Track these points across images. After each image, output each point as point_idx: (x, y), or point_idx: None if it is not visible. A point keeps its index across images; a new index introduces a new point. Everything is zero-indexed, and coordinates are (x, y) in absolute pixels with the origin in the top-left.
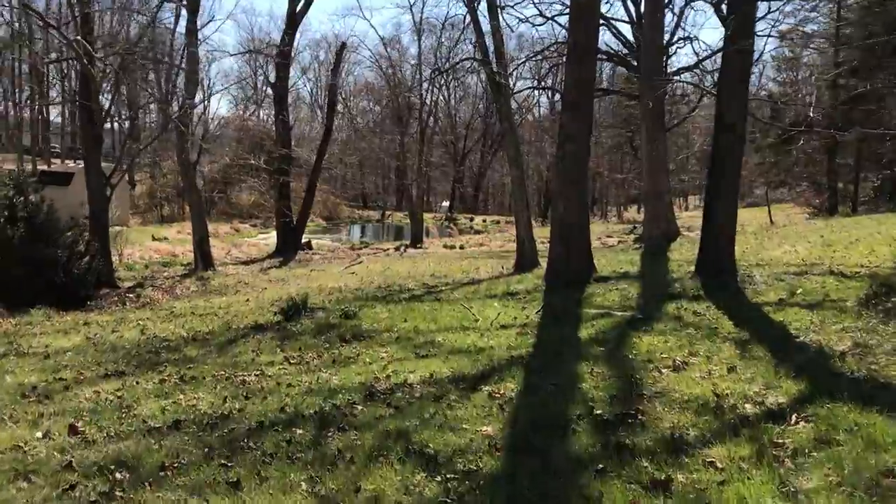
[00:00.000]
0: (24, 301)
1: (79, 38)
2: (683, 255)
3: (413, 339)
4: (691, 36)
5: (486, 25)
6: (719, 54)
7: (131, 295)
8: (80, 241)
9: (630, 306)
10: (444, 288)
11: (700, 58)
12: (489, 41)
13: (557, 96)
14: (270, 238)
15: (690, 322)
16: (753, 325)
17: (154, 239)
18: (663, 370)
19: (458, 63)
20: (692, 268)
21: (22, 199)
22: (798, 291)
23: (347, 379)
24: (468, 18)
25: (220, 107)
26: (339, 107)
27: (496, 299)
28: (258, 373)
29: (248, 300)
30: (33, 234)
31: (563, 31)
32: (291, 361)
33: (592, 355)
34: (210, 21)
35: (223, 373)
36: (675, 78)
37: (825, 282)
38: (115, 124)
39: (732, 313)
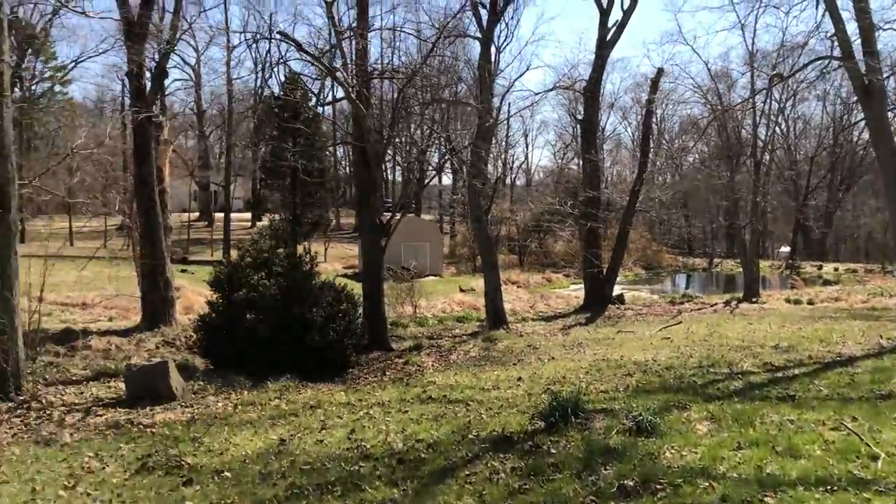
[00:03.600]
0: (275, 366)
1: (338, 65)
2: None
3: (753, 501)
4: None
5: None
6: None
7: (400, 360)
8: (343, 299)
9: None
10: (797, 372)
11: None
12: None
13: None
14: (581, 290)
15: None
16: None
17: (461, 290)
18: None
19: (807, 64)
20: None
21: (281, 251)
22: None
23: None
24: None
25: (542, 157)
26: (664, 146)
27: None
28: None
29: (520, 379)
30: (288, 291)
31: None
32: None
33: None
34: (527, 70)
35: None
36: None
37: None
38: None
39: None
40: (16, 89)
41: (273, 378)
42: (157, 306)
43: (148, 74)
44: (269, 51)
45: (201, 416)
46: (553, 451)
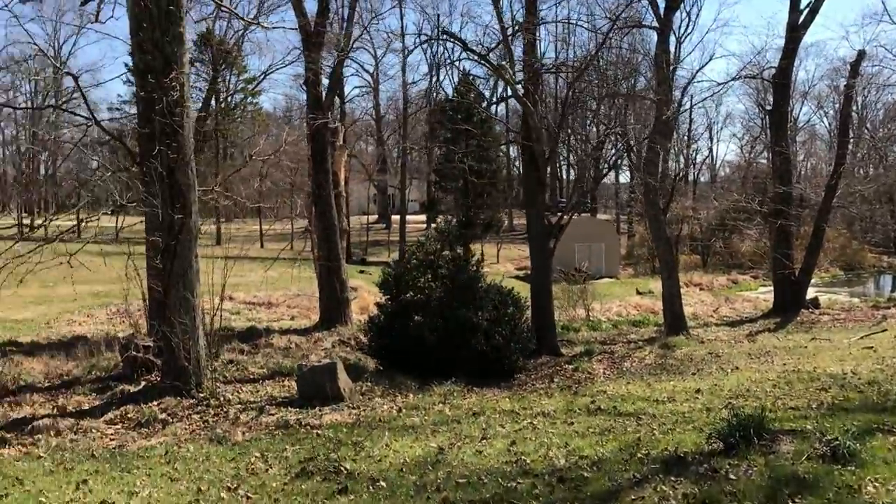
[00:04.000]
0: (442, 369)
1: (505, 62)
2: None
3: None
4: None
5: None
6: None
7: (569, 367)
8: (509, 302)
9: None
10: None
11: None
12: None
13: None
14: (771, 293)
15: None
16: None
17: (638, 293)
18: None
19: None
20: None
21: (447, 253)
22: None
23: None
24: None
25: (728, 151)
26: (865, 136)
27: None
28: None
29: (698, 391)
30: (453, 294)
31: None
32: None
33: None
34: (710, 60)
35: None
36: None
37: None
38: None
39: None
40: (212, 102)
41: (439, 381)
42: (332, 306)
43: (325, 82)
44: (436, 52)
45: (366, 419)
46: (732, 476)
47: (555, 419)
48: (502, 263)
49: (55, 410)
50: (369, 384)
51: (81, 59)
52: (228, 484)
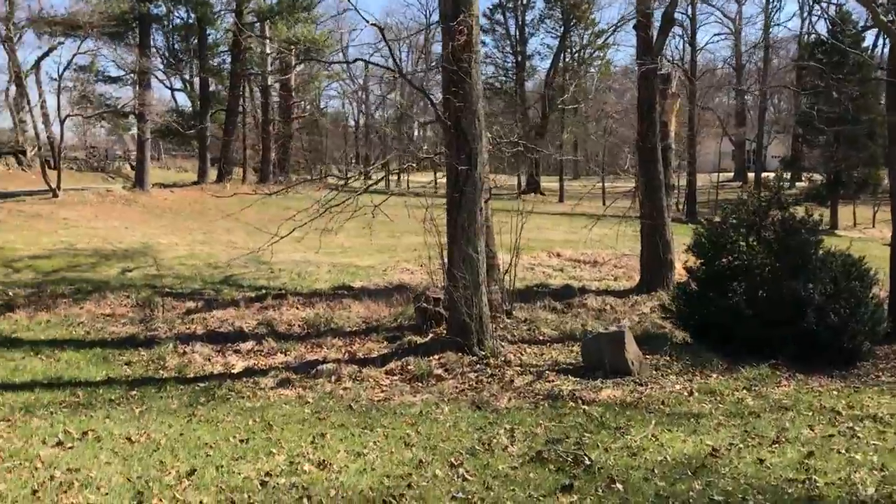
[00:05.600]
0: (759, 350)
1: None
2: None
3: None
4: None
5: None
6: None
7: None
8: (853, 273)
9: None
10: None
11: None
12: None
13: None
14: None
15: None
16: None
17: None
18: None
19: None
20: None
21: (776, 213)
22: None
23: None
24: None
25: None
26: None
27: None
28: None
29: None
30: (781, 261)
31: None
32: None
33: None
34: None
35: None
36: None
37: None
38: None
39: None
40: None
41: (753, 363)
42: (654, 268)
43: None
44: None
45: (647, 400)
46: None
47: (886, 427)
48: (878, 228)
49: (345, 355)
50: (668, 358)
51: None
52: (453, 459)
